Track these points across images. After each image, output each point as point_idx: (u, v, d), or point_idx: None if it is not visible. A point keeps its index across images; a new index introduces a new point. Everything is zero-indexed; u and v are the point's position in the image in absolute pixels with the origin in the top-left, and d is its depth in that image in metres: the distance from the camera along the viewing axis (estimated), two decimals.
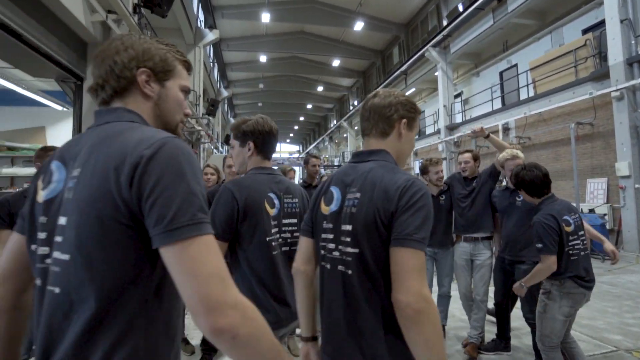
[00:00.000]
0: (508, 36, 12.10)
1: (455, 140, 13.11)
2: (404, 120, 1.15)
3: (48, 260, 0.72)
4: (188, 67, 0.93)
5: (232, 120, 30.54)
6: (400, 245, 0.94)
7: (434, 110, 15.83)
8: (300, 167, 14.02)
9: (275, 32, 19.36)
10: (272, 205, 1.52)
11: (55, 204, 0.74)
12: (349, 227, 1.05)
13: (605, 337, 3.31)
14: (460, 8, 12.13)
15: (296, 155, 38.45)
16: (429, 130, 16.66)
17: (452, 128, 13.49)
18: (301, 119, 36.19)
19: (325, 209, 1.15)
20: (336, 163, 27.75)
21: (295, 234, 1.58)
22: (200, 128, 12.56)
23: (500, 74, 12.76)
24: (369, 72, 24.15)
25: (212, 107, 12.34)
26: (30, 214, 0.79)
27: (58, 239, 0.70)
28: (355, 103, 24.90)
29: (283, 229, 1.55)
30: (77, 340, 0.66)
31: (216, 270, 0.66)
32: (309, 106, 31.84)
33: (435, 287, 3.41)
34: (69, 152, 0.77)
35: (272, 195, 1.53)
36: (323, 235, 1.14)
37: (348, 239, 1.05)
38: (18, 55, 4.55)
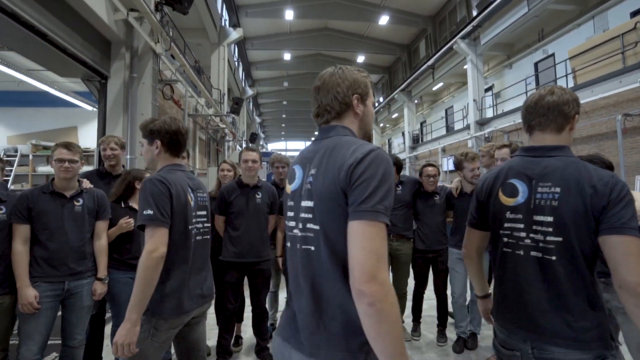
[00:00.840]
0: (544, 24, 11.37)
1: (486, 135, 12.49)
2: (577, 116, 1.28)
3: (295, 231, 1.06)
4: (372, 86, 1.16)
5: (257, 120, 30.85)
6: (618, 233, 1.09)
7: (463, 105, 15.22)
8: None
9: (299, 29, 19.29)
10: (191, 198, 1.67)
11: (297, 192, 1.08)
12: (549, 219, 1.19)
13: None
14: None
15: None
16: (457, 126, 16.04)
17: (482, 123, 12.88)
18: None
19: (508, 201, 1.30)
20: None
21: (206, 224, 1.79)
22: (224, 126, 12.67)
23: (535, 64, 12.03)
24: (394, 68, 23.62)
25: (236, 106, 12.42)
26: (284, 201, 1.17)
27: (305, 215, 1.03)
28: (381, 99, 24.41)
29: (198, 220, 1.72)
30: (336, 275, 0.95)
31: (379, 250, 0.88)
32: None
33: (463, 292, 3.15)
34: (305, 158, 1.11)
35: (189, 190, 1.67)
36: (507, 225, 1.30)
37: (549, 229, 1.19)
38: (45, 56, 4.66)
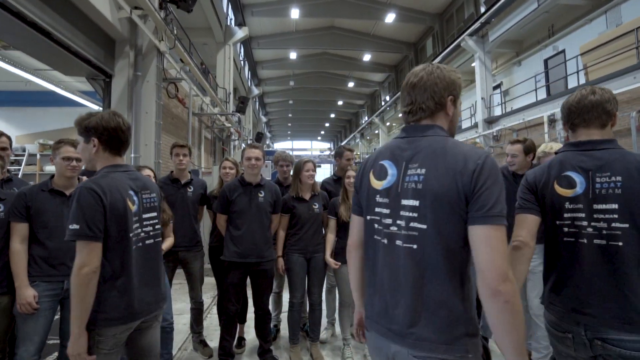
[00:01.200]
0: (554, 20, 11.14)
1: (495, 134, 12.28)
2: (617, 113, 1.41)
3: (393, 228, 1.09)
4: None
5: (263, 119, 30.87)
6: None
7: (471, 103, 15.01)
8: (332, 164, 13.77)
9: (305, 28, 19.20)
10: (133, 203, 1.55)
11: (393, 189, 1.11)
12: (614, 206, 1.26)
13: None
14: None
15: (327, 152, 38.28)
16: (465, 125, 15.83)
17: (491, 121, 12.67)
18: (332, 116, 35.91)
19: (566, 192, 1.36)
20: None
21: (156, 227, 1.69)
22: (230, 125, 12.66)
23: (545, 61, 11.79)
24: (401, 66, 23.42)
25: (241, 105, 12.39)
26: (367, 198, 1.19)
27: (408, 214, 1.06)
28: (387, 98, 24.23)
29: (144, 223, 1.62)
30: (443, 273, 1.02)
31: (506, 252, 0.97)
32: (340, 103, 31.49)
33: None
34: (397, 155, 1.13)
35: (132, 193, 1.56)
36: (567, 215, 1.35)
37: (614, 216, 1.25)
38: (50, 54, 4.65)
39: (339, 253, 2.94)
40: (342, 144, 36.80)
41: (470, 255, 1.02)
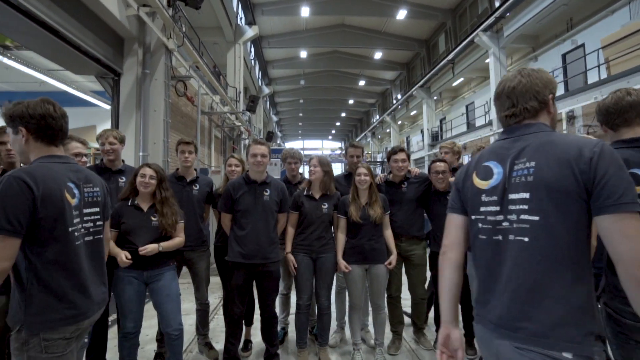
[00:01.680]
0: (573, 13, 10.76)
1: None
2: None
3: (505, 224, 1.10)
4: None
5: (274, 118, 30.91)
6: None
7: (485, 101, 14.67)
8: (343, 162, 13.65)
9: (315, 26, 19.10)
10: (73, 195, 1.45)
11: (500, 187, 1.13)
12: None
13: None
14: None
15: (338, 152, 38.10)
16: (479, 122, 15.49)
17: None
18: (343, 115, 35.72)
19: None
20: (379, 159, 26.97)
21: (98, 223, 1.59)
22: (240, 124, 12.65)
23: (563, 56, 11.42)
24: (412, 64, 23.10)
25: (251, 104, 12.35)
26: (471, 198, 1.22)
27: (519, 207, 1.06)
28: (399, 97, 23.94)
29: (85, 218, 1.52)
30: (560, 265, 1.01)
31: None
32: (351, 101, 31.30)
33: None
34: (501, 155, 1.16)
35: (71, 185, 1.46)
36: None
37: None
38: (59, 53, 4.64)
39: (349, 253, 2.82)
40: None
41: (589, 246, 1.02)
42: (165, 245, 2.36)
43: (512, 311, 1.05)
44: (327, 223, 2.86)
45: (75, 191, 1.47)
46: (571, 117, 9.39)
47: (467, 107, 18.56)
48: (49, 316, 1.34)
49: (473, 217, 1.21)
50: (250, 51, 17.80)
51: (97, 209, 1.60)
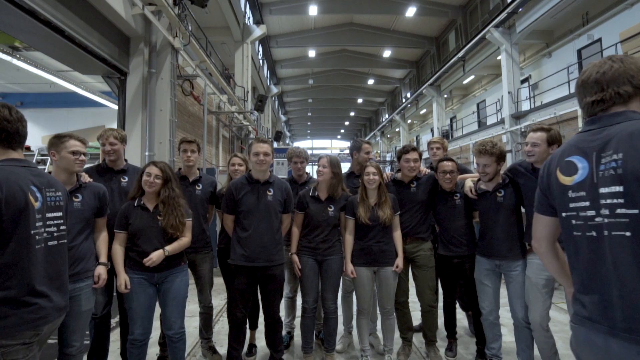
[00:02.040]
0: (589, 6, 10.44)
1: (523, 130, 11.68)
2: None
3: (598, 219, 1.06)
4: None
5: (282, 118, 30.90)
6: None
7: (497, 99, 14.38)
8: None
9: (324, 25, 19.00)
10: (36, 199, 1.46)
11: (587, 182, 1.09)
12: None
13: None
14: None
15: (347, 151, 37.95)
16: (490, 121, 15.20)
17: (518, 117, 12.08)
18: (352, 114, 35.56)
19: None
20: (388, 159, 26.74)
21: (62, 228, 1.59)
22: (248, 123, 12.62)
23: (579, 51, 11.10)
24: (422, 62, 22.84)
25: (260, 103, 12.32)
26: (558, 196, 1.18)
27: (613, 201, 1.02)
28: (408, 95, 23.68)
29: (48, 223, 1.52)
30: None
31: None
32: (360, 101, 31.12)
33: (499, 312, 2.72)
34: (585, 148, 1.11)
35: (34, 189, 1.46)
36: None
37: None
38: (66, 53, 4.64)
39: (357, 255, 2.71)
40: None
41: None
42: (170, 249, 2.29)
43: (632, 313, 0.98)
44: (332, 226, 2.75)
45: (38, 194, 1.46)
46: None
47: (478, 105, 18.26)
48: (5, 322, 1.33)
49: (563, 214, 1.17)
50: (259, 51, 17.79)
51: (61, 214, 1.61)
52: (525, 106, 12.43)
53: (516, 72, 12.31)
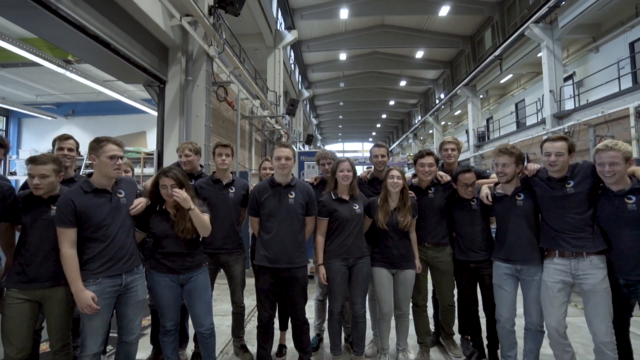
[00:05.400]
0: None
1: (566, 130, 10.99)
2: None
3: None
4: None
5: (314, 121, 31.13)
6: None
7: (537, 98, 13.65)
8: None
9: (355, 28, 18.96)
10: None
11: None
12: None
13: None
14: None
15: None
16: (530, 121, 14.45)
17: (561, 117, 11.38)
18: (383, 116, 35.14)
19: None
20: None
21: None
22: (280, 127, 12.84)
23: (631, 45, 10.31)
24: (456, 62, 22.17)
25: (291, 107, 12.52)
26: None
27: None
28: (442, 96, 23.06)
29: None
30: None
31: None
32: (392, 103, 30.70)
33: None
34: None
35: None
36: None
37: None
38: (111, 64, 4.97)
39: (376, 258, 2.79)
40: (394, 145, 35.84)
41: None
42: (195, 212, 2.30)
43: None
44: (362, 224, 2.78)
45: None
46: None
47: (516, 105, 17.41)
48: None
49: None
50: (290, 55, 18.06)
51: None
52: (568, 105, 11.70)
53: (558, 70, 11.64)
